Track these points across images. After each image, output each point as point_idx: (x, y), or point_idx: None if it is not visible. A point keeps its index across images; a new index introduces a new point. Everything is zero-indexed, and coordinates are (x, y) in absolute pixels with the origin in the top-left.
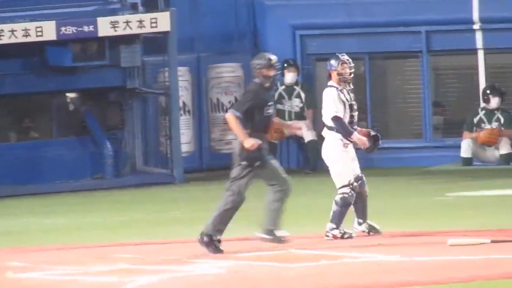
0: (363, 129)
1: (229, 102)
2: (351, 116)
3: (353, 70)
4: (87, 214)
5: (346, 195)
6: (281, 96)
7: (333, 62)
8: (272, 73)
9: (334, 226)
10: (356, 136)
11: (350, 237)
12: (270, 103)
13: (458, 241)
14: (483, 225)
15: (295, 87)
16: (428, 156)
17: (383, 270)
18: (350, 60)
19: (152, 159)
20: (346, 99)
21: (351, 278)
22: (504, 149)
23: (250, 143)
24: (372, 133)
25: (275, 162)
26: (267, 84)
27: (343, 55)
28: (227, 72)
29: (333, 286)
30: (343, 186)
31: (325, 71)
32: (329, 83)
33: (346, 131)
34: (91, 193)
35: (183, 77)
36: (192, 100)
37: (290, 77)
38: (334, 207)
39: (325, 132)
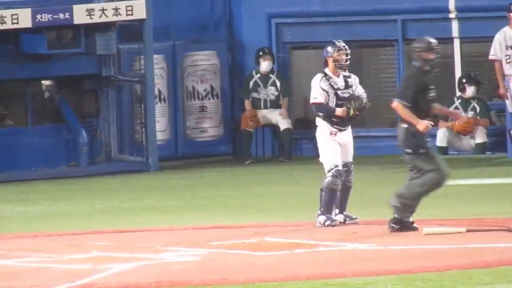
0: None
1: (205, 90)
2: (337, 105)
3: (349, 57)
4: (62, 201)
5: (329, 181)
6: (256, 85)
7: (329, 48)
8: (432, 56)
9: (319, 212)
10: (338, 110)
11: (332, 225)
12: (432, 86)
13: (433, 230)
14: (458, 214)
15: (270, 75)
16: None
17: (357, 258)
18: (347, 46)
19: (127, 147)
20: (334, 87)
21: (325, 266)
22: (479, 138)
23: (424, 125)
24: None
25: (433, 147)
26: (426, 68)
27: (340, 41)
28: (203, 60)
29: (307, 274)
30: (328, 172)
31: (300, 60)
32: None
33: (328, 110)
34: (65, 181)
35: (158, 65)
36: (168, 88)
37: (265, 65)
38: (320, 193)
39: (316, 120)
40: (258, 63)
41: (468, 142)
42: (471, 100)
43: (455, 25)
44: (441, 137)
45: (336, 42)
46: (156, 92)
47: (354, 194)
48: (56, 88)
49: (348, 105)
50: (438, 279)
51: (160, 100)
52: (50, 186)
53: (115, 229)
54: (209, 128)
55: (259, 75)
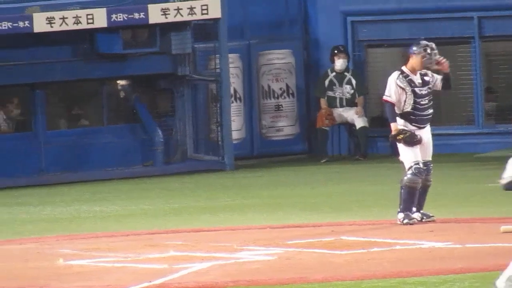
0: None
1: (280, 88)
2: (415, 102)
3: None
4: (137, 201)
5: (408, 179)
6: (331, 83)
7: (415, 47)
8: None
9: (398, 209)
10: (393, 125)
11: (410, 223)
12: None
13: (511, 228)
14: None
15: (345, 73)
16: (480, 142)
17: (434, 257)
18: (433, 45)
19: (202, 146)
20: (411, 84)
21: (402, 265)
22: None
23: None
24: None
25: None
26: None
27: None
28: (278, 58)
29: (384, 273)
30: (408, 169)
31: (376, 58)
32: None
33: (390, 116)
34: (141, 180)
35: (233, 64)
36: (243, 87)
37: (340, 63)
38: (400, 190)
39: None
40: (333, 61)
41: None
42: None
43: None
44: None
45: (422, 42)
46: (232, 91)
47: (431, 192)
48: (131, 87)
49: (404, 132)
50: None
51: (235, 99)
52: (126, 185)
53: (191, 228)
54: (284, 126)
55: (334, 73)
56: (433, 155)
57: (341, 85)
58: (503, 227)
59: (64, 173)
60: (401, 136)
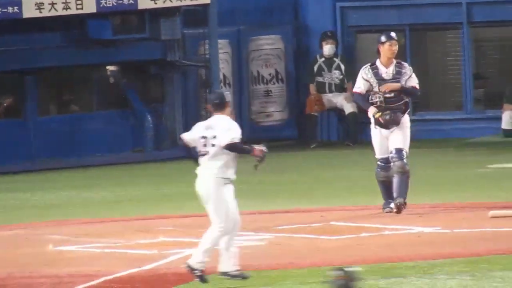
0: None
1: (269, 74)
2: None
3: (394, 48)
4: (128, 187)
5: (375, 173)
6: (320, 68)
7: (382, 37)
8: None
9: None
10: (371, 109)
11: (385, 211)
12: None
13: (499, 213)
14: None
15: (334, 59)
16: (469, 128)
17: (423, 242)
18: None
19: None
20: (377, 77)
21: (391, 250)
22: None
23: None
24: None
25: None
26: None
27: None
28: (268, 44)
29: (373, 258)
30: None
31: (365, 43)
32: None
33: (363, 105)
34: (131, 166)
35: (223, 50)
36: (233, 72)
37: (328, 49)
38: None
39: None
40: (321, 47)
41: None
42: None
43: None
44: (507, 120)
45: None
46: (221, 77)
47: (419, 177)
48: (121, 73)
49: (385, 113)
50: (505, 261)
51: (225, 85)
52: (116, 171)
53: (181, 214)
54: (274, 112)
55: (323, 59)
56: (423, 140)
57: (330, 70)
58: (492, 212)
59: (54, 159)
60: (379, 114)
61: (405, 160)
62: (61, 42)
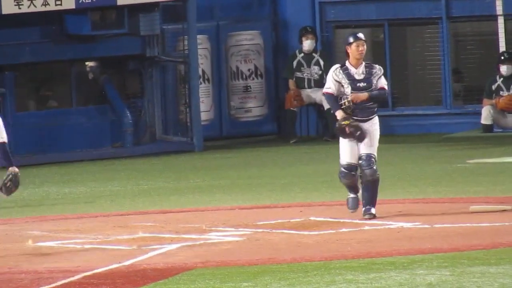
0: None
1: (248, 70)
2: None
3: (362, 48)
4: (107, 182)
5: (339, 176)
6: (299, 64)
7: (350, 38)
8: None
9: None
10: (338, 112)
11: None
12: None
13: (479, 208)
14: (504, 192)
15: (313, 54)
16: (448, 122)
17: (403, 237)
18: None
19: (171, 128)
20: (349, 78)
21: (371, 245)
22: None
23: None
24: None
25: None
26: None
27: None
28: (246, 40)
29: (353, 253)
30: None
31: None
32: None
33: (333, 106)
34: (110, 162)
35: (202, 45)
36: (212, 68)
37: (307, 44)
38: None
39: None
40: (301, 42)
41: None
42: None
43: (499, 2)
44: (486, 115)
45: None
46: (200, 73)
47: (399, 172)
48: (100, 69)
49: (348, 121)
50: (485, 257)
51: (204, 80)
52: (95, 167)
53: (161, 209)
54: (253, 107)
55: (302, 54)
56: (403, 135)
57: (309, 66)
58: (472, 207)
59: (33, 155)
60: (347, 122)
61: (375, 167)
62: (40, 38)
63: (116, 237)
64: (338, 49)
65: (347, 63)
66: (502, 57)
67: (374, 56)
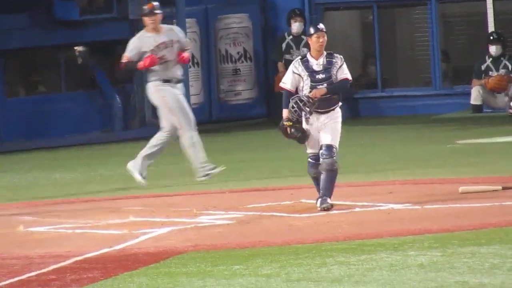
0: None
1: (238, 53)
2: (312, 87)
3: (322, 39)
4: (97, 167)
5: (307, 167)
6: (289, 46)
7: (311, 29)
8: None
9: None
10: (284, 111)
11: (324, 209)
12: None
13: (469, 188)
14: (494, 172)
15: (302, 36)
16: (438, 103)
17: (393, 218)
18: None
19: None
20: (308, 69)
21: (362, 227)
22: None
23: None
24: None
25: None
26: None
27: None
28: (235, 23)
29: (344, 235)
30: None
31: (333, 21)
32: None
33: (283, 104)
34: (100, 147)
35: (191, 29)
36: (201, 51)
37: (296, 26)
38: None
39: None
40: (289, 25)
41: (502, 100)
42: (502, 58)
43: None
44: (476, 95)
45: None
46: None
47: (388, 154)
48: (89, 54)
49: (291, 122)
50: (475, 237)
51: (193, 64)
52: (85, 152)
53: (151, 193)
54: (242, 91)
55: (291, 37)
56: (391, 117)
57: (298, 48)
58: (462, 188)
59: (23, 141)
60: (289, 123)
61: (335, 158)
62: (28, 24)
63: (107, 222)
64: (327, 31)
65: (308, 55)
66: (491, 38)
67: (363, 38)
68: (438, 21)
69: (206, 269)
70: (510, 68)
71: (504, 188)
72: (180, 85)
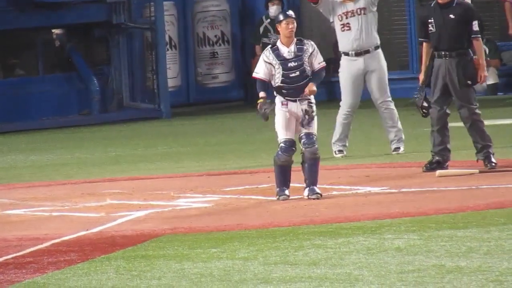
0: None
1: (215, 36)
2: (284, 75)
3: (292, 26)
4: (75, 150)
5: (275, 156)
6: (266, 30)
7: (280, 16)
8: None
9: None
10: (259, 101)
11: (280, 199)
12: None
13: (446, 172)
14: (470, 156)
15: None
16: (415, 87)
17: (371, 202)
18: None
19: (139, 94)
20: (279, 58)
21: (339, 210)
22: (491, 79)
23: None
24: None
25: None
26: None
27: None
28: (213, 6)
29: (321, 218)
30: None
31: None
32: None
33: (257, 90)
34: (78, 129)
35: (168, 12)
36: (178, 34)
37: (274, 10)
38: None
39: None
40: (267, 8)
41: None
42: None
43: None
44: None
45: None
46: (167, 39)
47: (365, 137)
48: (66, 36)
49: (267, 104)
50: (452, 220)
51: (171, 47)
52: (63, 134)
53: (128, 176)
54: (220, 74)
55: (269, 20)
56: (368, 100)
57: (275, 31)
58: (439, 172)
59: (0, 123)
60: (261, 101)
61: (316, 146)
62: (5, 6)
63: (84, 205)
64: (305, 14)
65: (278, 43)
66: None
67: None
68: (416, 4)
69: (184, 252)
70: (487, 52)
71: (481, 172)
72: None
